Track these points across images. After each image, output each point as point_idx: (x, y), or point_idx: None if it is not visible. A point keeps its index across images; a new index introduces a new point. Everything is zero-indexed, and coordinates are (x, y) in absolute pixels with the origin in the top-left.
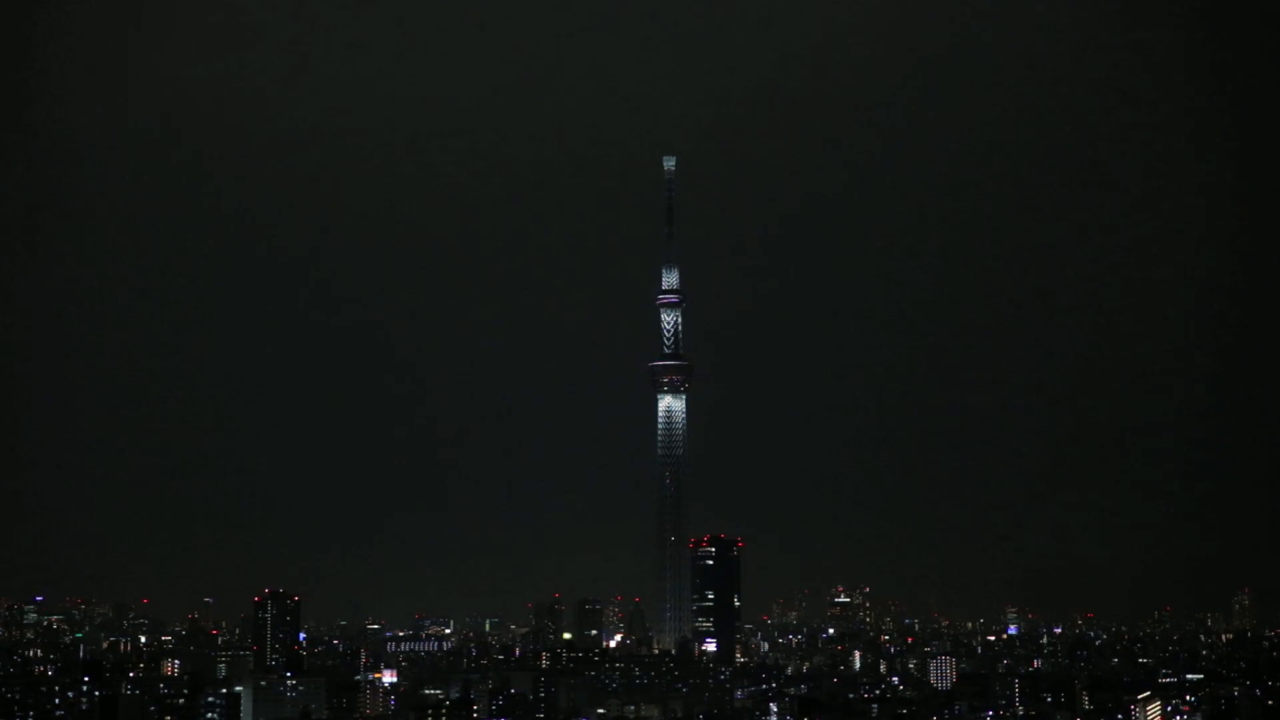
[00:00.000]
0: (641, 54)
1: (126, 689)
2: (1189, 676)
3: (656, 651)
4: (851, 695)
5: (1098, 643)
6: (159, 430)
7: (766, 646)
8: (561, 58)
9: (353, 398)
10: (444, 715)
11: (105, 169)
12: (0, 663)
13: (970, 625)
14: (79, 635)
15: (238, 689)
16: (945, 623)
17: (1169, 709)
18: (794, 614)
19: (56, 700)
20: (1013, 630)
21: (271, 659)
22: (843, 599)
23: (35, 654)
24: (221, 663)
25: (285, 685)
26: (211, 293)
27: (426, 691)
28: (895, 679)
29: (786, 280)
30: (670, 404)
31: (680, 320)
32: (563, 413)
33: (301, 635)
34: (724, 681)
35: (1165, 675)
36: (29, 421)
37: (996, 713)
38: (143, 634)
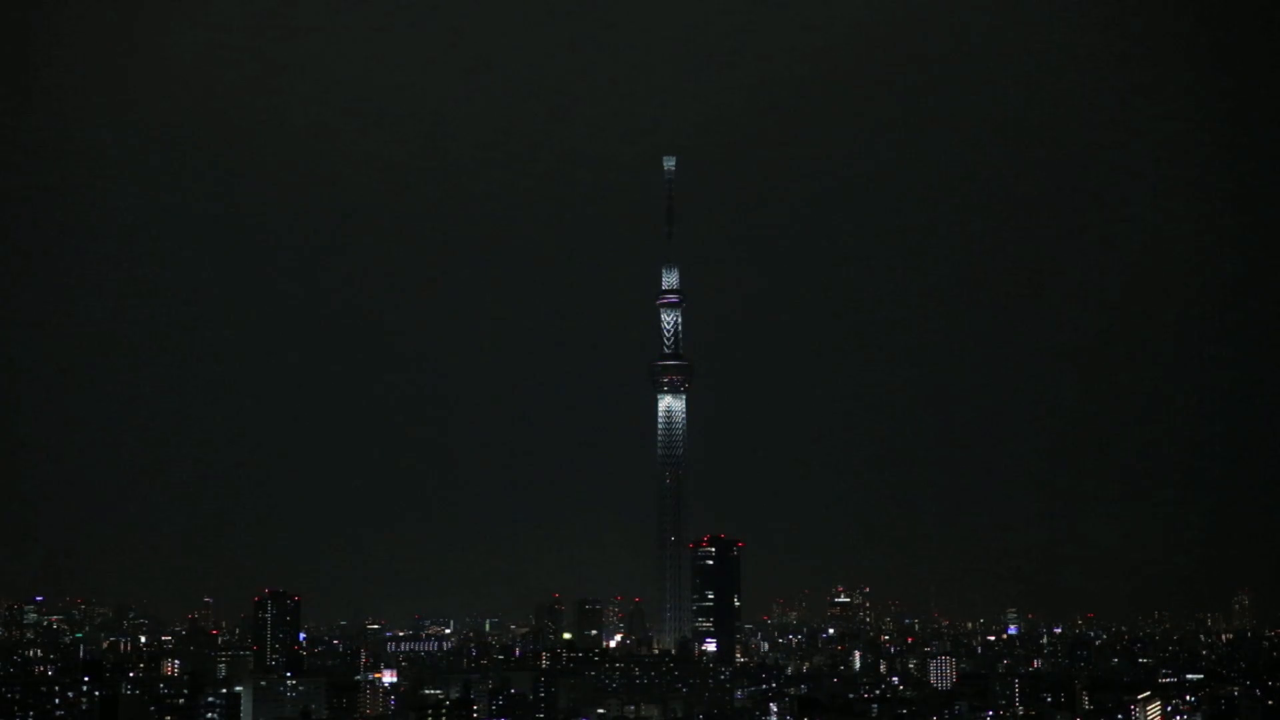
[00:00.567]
0: (641, 54)
1: (126, 689)
2: (1189, 676)
3: (656, 651)
4: (851, 695)
5: (1098, 643)
6: (159, 430)
7: (766, 646)
8: (561, 58)
9: (352, 398)
10: (444, 715)
11: (105, 169)
12: (0, 663)
13: (970, 625)
14: (79, 635)
15: (238, 689)
16: (945, 623)
17: (1169, 709)
18: (794, 614)
19: (56, 700)
20: (1013, 630)
21: (271, 659)
22: (843, 599)
23: (35, 654)
24: (221, 663)
25: (285, 685)
26: (212, 293)
27: (426, 691)
28: (895, 679)
29: (787, 280)
30: (670, 404)
31: (680, 320)
32: (563, 413)
33: (301, 635)
34: (724, 681)
35: (1165, 675)
36: (29, 421)
37: (996, 713)
38: (143, 634)
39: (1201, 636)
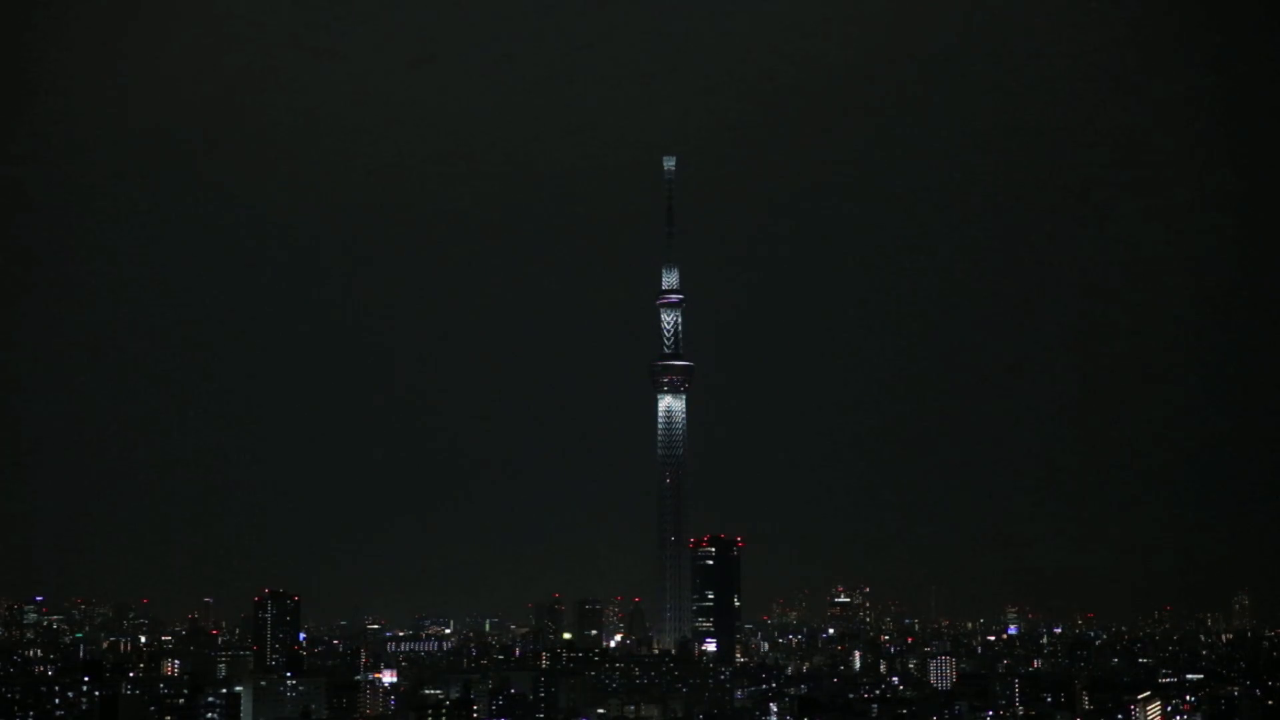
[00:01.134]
0: (641, 54)
1: (126, 689)
2: (1189, 676)
3: (656, 651)
4: (851, 695)
5: (1098, 643)
6: (159, 430)
7: (766, 646)
8: (561, 58)
9: (353, 398)
10: (444, 715)
11: (105, 169)
12: (0, 663)
13: (970, 625)
14: (79, 635)
15: (238, 689)
16: (945, 623)
17: (1169, 709)
18: (794, 614)
19: (56, 700)
20: (1013, 630)
21: (271, 659)
22: (843, 599)
23: (35, 654)
24: (221, 663)
25: (285, 685)
26: (212, 293)
27: (426, 691)
28: (895, 679)
29: (786, 280)
30: (670, 404)
31: (680, 320)
32: (563, 412)
33: (301, 635)
34: (724, 681)
35: (1165, 675)
36: (29, 422)
37: (996, 713)
38: (143, 634)
39: (1201, 636)
